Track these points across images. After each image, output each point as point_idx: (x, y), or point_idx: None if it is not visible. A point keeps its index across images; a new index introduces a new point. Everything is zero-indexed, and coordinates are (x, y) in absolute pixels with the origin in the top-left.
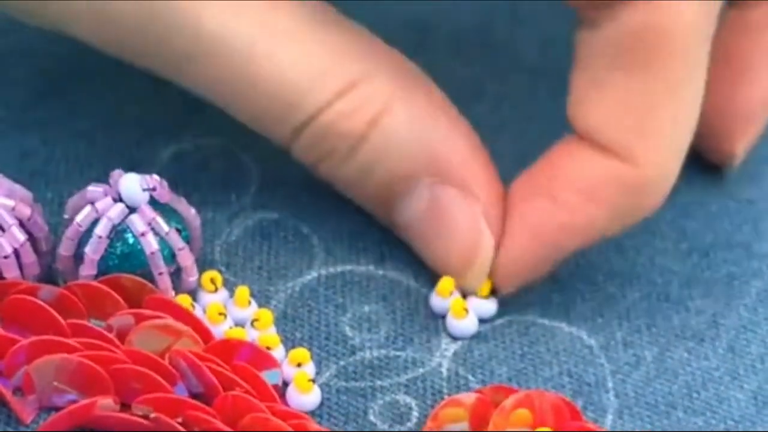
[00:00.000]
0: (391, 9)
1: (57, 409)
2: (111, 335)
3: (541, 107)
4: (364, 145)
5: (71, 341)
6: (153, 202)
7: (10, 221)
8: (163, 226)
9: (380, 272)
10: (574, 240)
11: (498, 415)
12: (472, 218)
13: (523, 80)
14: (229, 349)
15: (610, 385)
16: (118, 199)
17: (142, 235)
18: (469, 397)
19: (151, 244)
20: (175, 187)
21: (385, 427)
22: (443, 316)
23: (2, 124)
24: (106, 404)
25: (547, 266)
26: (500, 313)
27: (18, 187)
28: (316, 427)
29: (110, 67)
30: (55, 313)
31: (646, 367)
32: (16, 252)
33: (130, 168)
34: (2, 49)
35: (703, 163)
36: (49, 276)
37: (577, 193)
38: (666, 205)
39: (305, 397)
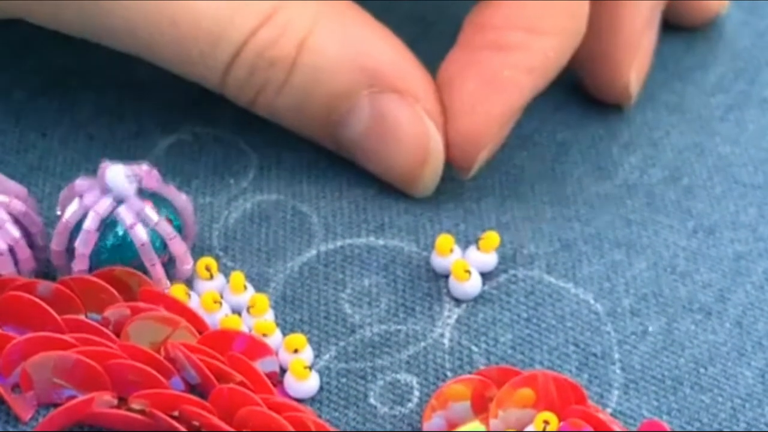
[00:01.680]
0: (393, 3)
1: (56, 405)
2: (107, 330)
3: (540, 95)
4: (296, 70)
5: (67, 337)
6: (145, 192)
7: (3, 217)
8: (152, 216)
9: (381, 242)
10: (533, 79)
11: (501, 395)
12: (416, 118)
13: None
14: (225, 339)
15: (616, 356)
16: (106, 191)
17: (131, 226)
18: (473, 379)
19: (140, 235)
20: (173, 175)
21: (386, 409)
22: (446, 276)
23: (0, 119)
24: (103, 401)
25: (510, 120)
26: (505, 267)
27: (12, 183)
28: (313, 417)
29: (108, 61)
30: (51, 309)
31: (653, 338)
32: (10, 248)
33: (128, 160)
34: (0, 44)
35: (707, 147)
36: (46, 270)
37: (524, 31)
38: (670, 187)
39: (302, 384)
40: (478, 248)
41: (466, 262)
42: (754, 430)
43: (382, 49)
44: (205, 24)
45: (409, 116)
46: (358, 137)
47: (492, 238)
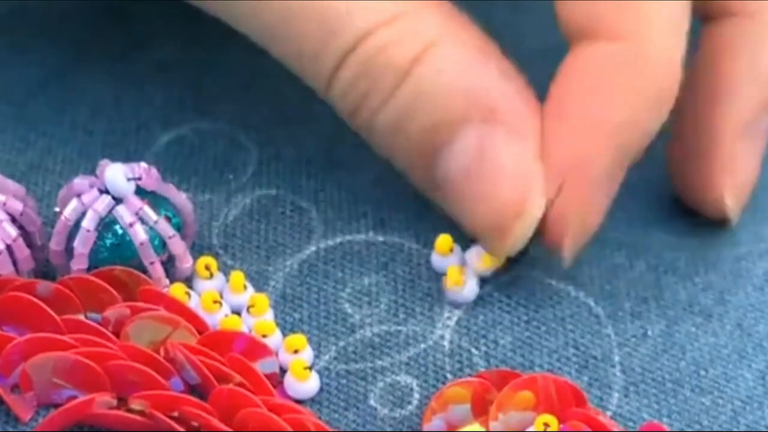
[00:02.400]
0: None
1: (56, 405)
2: (106, 330)
3: (542, 92)
4: (406, 82)
5: (66, 338)
6: (144, 191)
7: (1, 217)
8: (151, 215)
9: (380, 238)
10: (634, 140)
11: (501, 397)
12: (522, 161)
13: (523, 65)
14: (224, 340)
15: (616, 359)
16: (105, 190)
17: (130, 225)
18: (473, 381)
19: (139, 234)
20: (172, 171)
21: (386, 411)
22: (446, 275)
23: None
24: (103, 401)
25: (612, 192)
26: (506, 267)
27: (9, 182)
28: (313, 419)
29: (107, 58)
30: (50, 310)
31: (654, 340)
32: (9, 248)
33: (127, 157)
34: (0, 43)
35: None
36: (45, 269)
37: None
38: (670, 185)
39: (303, 385)
40: (482, 261)
41: (462, 267)
42: None
43: (502, 82)
44: (325, 14)
45: (516, 158)
46: (455, 172)
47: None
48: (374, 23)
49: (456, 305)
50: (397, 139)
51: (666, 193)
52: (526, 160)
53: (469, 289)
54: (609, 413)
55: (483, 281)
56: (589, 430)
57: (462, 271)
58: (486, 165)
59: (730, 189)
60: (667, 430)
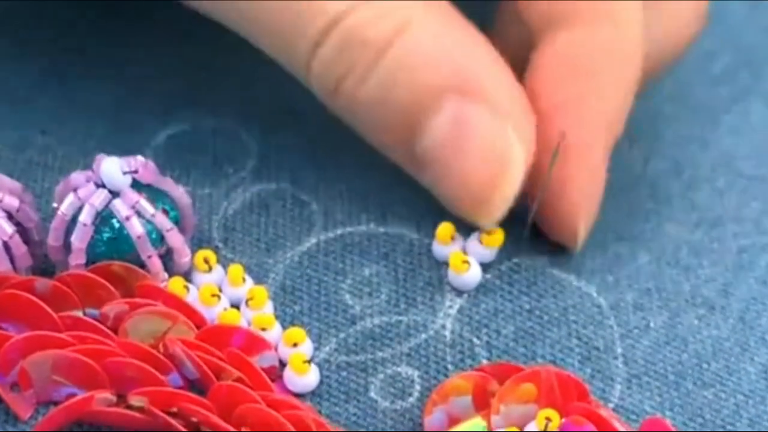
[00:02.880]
0: None
1: (55, 403)
2: (104, 327)
3: None
4: (385, 56)
5: (65, 335)
6: (141, 184)
7: None
8: (148, 208)
9: (381, 230)
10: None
11: (503, 390)
12: (500, 132)
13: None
14: (223, 335)
15: (619, 351)
16: (101, 184)
17: (127, 219)
18: (474, 374)
19: (135, 227)
20: (172, 166)
21: (387, 404)
22: (447, 264)
23: None
24: (103, 399)
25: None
26: (507, 255)
27: (6, 179)
28: (312, 415)
29: (107, 56)
30: (47, 308)
31: (656, 332)
32: (5, 244)
33: (127, 153)
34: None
35: (710, 139)
36: (44, 265)
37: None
38: (673, 179)
39: (302, 378)
40: (481, 242)
41: (465, 252)
42: (757, 427)
43: (479, 57)
44: None
45: (493, 129)
46: (433, 147)
47: (497, 234)
48: (353, 1)
49: (460, 291)
50: (378, 114)
51: (668, 185)
52: (503, 136)
53: (472, 274)
54: (611, 405)
55: (485, 268)
56: (591, 425)
57: (465, 257)
58: (463, 137)
59: (583, 225)
60: (670, 426)
